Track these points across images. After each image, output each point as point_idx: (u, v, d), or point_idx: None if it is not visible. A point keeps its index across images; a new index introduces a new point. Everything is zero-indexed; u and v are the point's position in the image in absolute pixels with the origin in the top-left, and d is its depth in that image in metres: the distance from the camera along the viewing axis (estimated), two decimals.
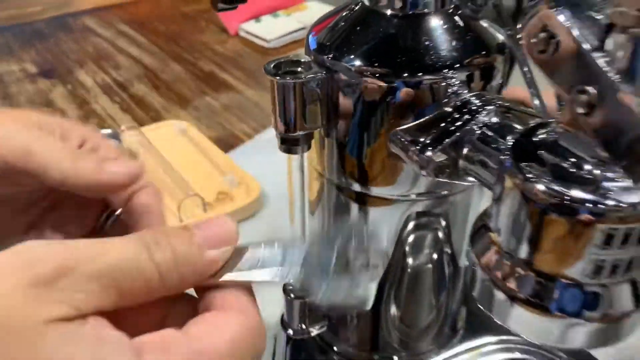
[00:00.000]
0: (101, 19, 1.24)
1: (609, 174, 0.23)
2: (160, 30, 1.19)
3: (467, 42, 0.33)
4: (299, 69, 0.33)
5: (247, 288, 0.26)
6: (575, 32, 0.23)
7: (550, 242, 0.25)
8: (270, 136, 0.79)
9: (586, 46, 0.23)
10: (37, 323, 0.20)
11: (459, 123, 0.31)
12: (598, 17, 0.22)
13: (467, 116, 0.31)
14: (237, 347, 0.23)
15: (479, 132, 0.30)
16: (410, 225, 0.38)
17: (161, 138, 0.79)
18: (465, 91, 0.32)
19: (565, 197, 0.24)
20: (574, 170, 0.24)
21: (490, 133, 0.30)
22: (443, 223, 0.38)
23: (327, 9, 0.38)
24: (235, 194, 0.69)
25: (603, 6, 0.22)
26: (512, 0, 0.35)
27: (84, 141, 0.33)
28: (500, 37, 0.34)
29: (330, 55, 0.33)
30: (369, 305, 0.41)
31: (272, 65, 0.33)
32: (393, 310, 0.42)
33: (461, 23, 0.33)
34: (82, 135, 0.33)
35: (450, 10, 0.33)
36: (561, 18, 0.23)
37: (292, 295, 0.41)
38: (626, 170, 0.22)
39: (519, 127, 0.29)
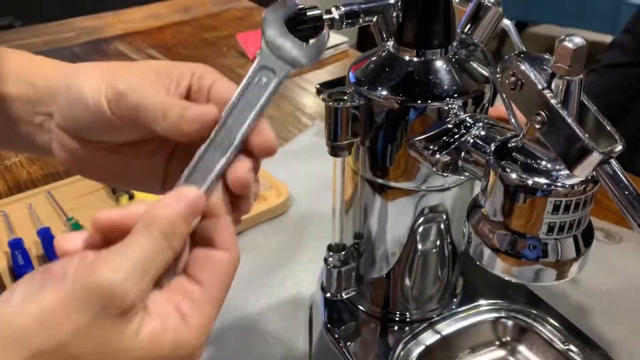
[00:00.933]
0: (131, 44, 1.37)
1: (557, 167, 0.37)
2: (184, 55, 1.32)
3: (462, 77, 0.46)
4: (345, 97, 0.46)
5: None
6: (533, 77, 0.36)
7: (519, 211, 0.38)
8: (294, 148, 0.93)
9: (540, 86, 0.36)
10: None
11: (457, 135, 0.44)
12: (546, 68, 0.36)
13: (463, 130, 0.45)
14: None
15: (472, 141, 0.43)
16: (422, 212, 0.50)
17: None
18: (462, 113, 0.45)
19: (529, 182, 0.37)
20: (535, 165, 0.37)
21: (479, 142, 0.43)
22: (446, 211, 0.51)
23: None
24: (267, 195, 0.82)
25: (549, 62, 0.36)
26: (494, 48, 0.48)
27: (191, 84, 0.37)
28: (486, 73, 0.47)
29: (366, 87, 0.46)
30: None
31: (326, 94, 0.46)
32: (406, 278, 0.54)
33: (458, 64, 0.46)
34: (191, 76, 0.37)
35: (451, 55, 0.47)
36: (524, 67, 0.36)
37: (331, 265, 0.54)
38: (566, 164, 0.36)
39: (499, 137, 0.42)
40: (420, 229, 0.51)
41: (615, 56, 1.12)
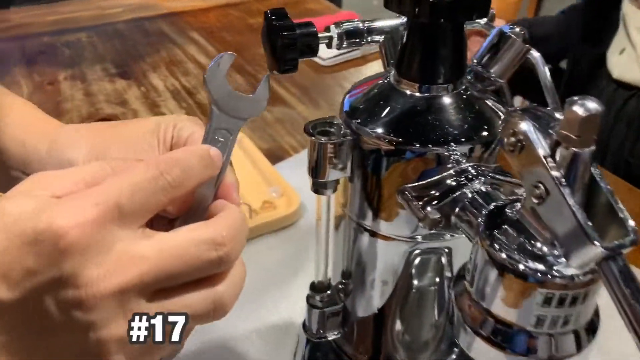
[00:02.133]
0: (174, 25, 1.35)
1: (553, 252, 0.30)
2: (227, 40, 1.29)
3: (470, 119, 0.39)
4: (332, 129, 0.41)
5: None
6: (534, 140, 0.29)
7: (505, 295, 0.32)
8: None
9: (541, 152, 0.29)
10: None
11: (456, 187, 0.38)
12: (552, 132, 0.29)
13: (463, 181, 0.38)
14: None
15: (470, 196, 0.37)
16: (418, 257, 0.45)
17: None
18: (464, 160, 0.39)
19: (519, 266, 0.30)
20: (529, 244, 0.31)
21: (478, 198, 0.37)
22: (443, 258, 0.45)
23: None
24: (278, 203, 0.77)
25: (556, 124, 0.29)
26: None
27: (172, 135, 0.39)
28: (501, 114, 0.40)
29: (358, 121, 0.40)
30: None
31: (311, 125, 0.40)
32: (398, 325, 0.49)
33: (468, 103, 0.40)
34: (173, 128, 0.39)
35: (463, 92, 0.40)
36: (526, 128, 0.30)
37: (312, 305, 0.49)
38: (563, 253, 0.29)
39: (502, 196, 0.36)
40: (415, 272, 0.46)
41: None
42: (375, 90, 0.41)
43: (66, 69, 1.15)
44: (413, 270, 0.45)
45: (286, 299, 0.65)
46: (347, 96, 0.43)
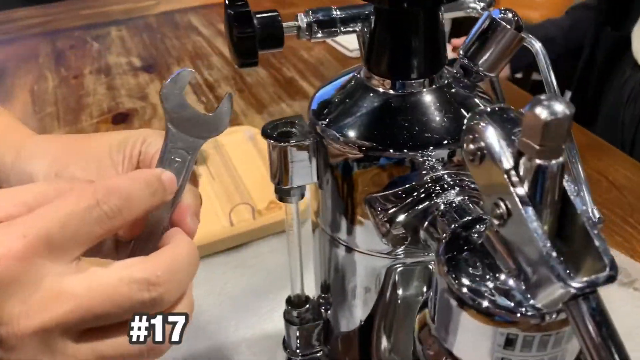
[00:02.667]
0: (204, 17, 1.33)
1: (520, 285, 0.25)
2: None
3: (450, 119, 0.34)
4: (294, 130, 0.36)
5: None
6: (497, 149, 0.24)
7: (465, 335, 0.27)
8: None
9: (504, 164, 0.24)
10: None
11: (427, 197, 0.33)
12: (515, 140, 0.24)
13: (438, 190, 0.33)
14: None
15: (442, 207, 0.32)
16: (398, 274, 0.40)
17: (232, 142, 0.85)
18: (440, 167, 0.34)
19: (482, 303, 0.25)
20: (492, 274, 0.26)
21: (450, 212, 0.32)
22: (429, 272, 0.40)
23: None
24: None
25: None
26: (507, 76, 0.36)
27: (140, 151, 0.36)
28: None
29: (324, 122, 0.35)
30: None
31: (270, 126, 0.36)
32: (384, 342, 0.44)
33: (448, 100, 0.35)
34: (141, 144, 0.36)
35: (443, 88, 0.35)
36: (487, 134, 0.25)
37: (289, 321, 0.45)
38: (525, 287, 0.24)
39: (478, 210, 0.31)
40: (399, 286, 0.41)
41: None
42: (345, 88, 0.37)
43: (93, 62, 1.15)
44: (396, 285, 0.41)
45: (282, 305, 0.61)
46: (318, 93, 0.38)
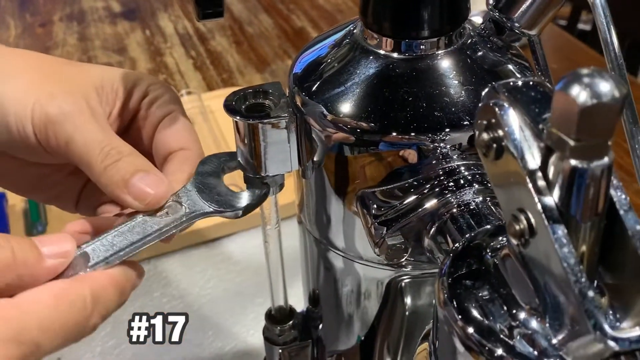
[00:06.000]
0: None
1: (546, 328, 0.21)
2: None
3: (475, 94, 0.30)
4: (267, 102, 0.33)
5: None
6: (517, 142, 0.21)
7: None
8: None
9: (529, 164, 0.20)
10: None
11: (438, 193, 0.30)
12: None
13: (451, 186, 0.30)
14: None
15: (456, 210, 0.29)
16: (402, 287, 0.37)
17: (220, 107, 0.82)
18: (456, 156, 0.30)
19: (496, 351, 0.22)
20: (507, 311, 0.22)
21: (465, 217, 0.28)
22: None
23: None
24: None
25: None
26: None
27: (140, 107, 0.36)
28: None
29: (307, 93, 0.32)
30: None
31: (235, 97, 0.33)
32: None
33: (471, 66, 0.31)
34: (141, 97, 0.36)
35: (464, 49, 0.31)
36: (507, 118, 0.21)
37: (270, 340, 0.42)
38: (552, 331, 0.20)
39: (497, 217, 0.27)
40: (403, 301, 0.38)
41: None
42: (335, 48, 0.33)
43: (64, 7, 1.13)
44: (402, 300, 0.38)
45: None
46: (302, 54, 0.35)
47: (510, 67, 0.32)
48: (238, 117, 0.32)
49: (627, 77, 0.30)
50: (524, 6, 0.32)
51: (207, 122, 0.79)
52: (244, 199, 0.34)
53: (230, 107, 0.32)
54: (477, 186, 0.29)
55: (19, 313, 0.26)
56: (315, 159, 0.33)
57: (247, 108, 0.33)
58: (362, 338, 0.40)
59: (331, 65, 0.32)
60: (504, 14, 0.32)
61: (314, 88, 0.32)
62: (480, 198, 0.29)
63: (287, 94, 0.33)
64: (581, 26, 1.37)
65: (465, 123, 0.30)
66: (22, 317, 0.26)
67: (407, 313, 0.38)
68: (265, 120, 0.32)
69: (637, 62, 1.17)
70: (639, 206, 0.28)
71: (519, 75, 0.31)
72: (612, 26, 0.32)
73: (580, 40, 1.03)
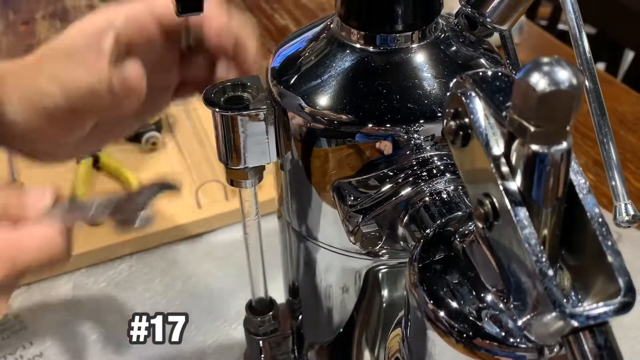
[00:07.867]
0: None
1: (510, 308, 0.22)
2: None
3: (444, 84, 0.31)
4: (245, 95, 0.33)
5: None
6: (482, 128, 0.21)
7: None
8: None
9: (493, 150, 0.21)
10: None
11: (411, 183, 0.31)
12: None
13: (425, 176, 0.31)
14: None
15: (428, 198, 0.30)
16: (381, 276, 0.38)
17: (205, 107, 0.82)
18: (429, 147, 0.31)
19: (464, 331, 0.23)
20: (474, 293, 0.23)
21: (436, 205, 0.29)
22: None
23: None
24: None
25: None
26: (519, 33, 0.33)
27: None
28: None
29: (284, 86, 0.33)
30: None
31: (214, 90, 0.33)
32: (363, 355, 0.42)
33: (443, 60, 0.32)
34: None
35: (437, 43, 0.32)
36: (472, 106, 0.22)
37: (251, 332, 0.43)
38: (514, 310, 0.21)
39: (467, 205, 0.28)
40: (382, 290, 0.39)
41: None
42: (313, 42, 0.34)
43: (47, 5, 1.12)
44: (380, 289, 0.38)
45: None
46: (280, 48, 0.35)
47: (482, 60, 0.33)
48: (217, 109, 0.33)
49: (595, 71, 0.31)
50: (495, 2, 0.32)
51: (190, 120, 0.80)
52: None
53: (209, 99, 0.33)
54: (449, 175, 0.30)
55: None
56: (293, 150, 0.34)
57: (226, 100, 0.33)
58: (341, 329, 0.41)
59: (308, 59, 0.33)
60: (476, 9, 0.33)
61: (291, 81, 0.33)
62: (452, 187, 0.30)
63: (266, 87, 0.34)
64: (561, 26, 1.38)
65: (438, 115, 0.31)
66: None
67: (384, 304, 0.39)
68: (244, 112, 0.33)
69: (617, 64, 1.18)
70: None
71: (494, 66, 0.32)
72: (581, 22, 0.33)
73: (559, 40, 1.04)
